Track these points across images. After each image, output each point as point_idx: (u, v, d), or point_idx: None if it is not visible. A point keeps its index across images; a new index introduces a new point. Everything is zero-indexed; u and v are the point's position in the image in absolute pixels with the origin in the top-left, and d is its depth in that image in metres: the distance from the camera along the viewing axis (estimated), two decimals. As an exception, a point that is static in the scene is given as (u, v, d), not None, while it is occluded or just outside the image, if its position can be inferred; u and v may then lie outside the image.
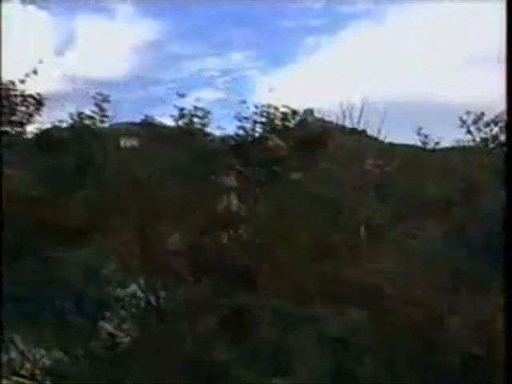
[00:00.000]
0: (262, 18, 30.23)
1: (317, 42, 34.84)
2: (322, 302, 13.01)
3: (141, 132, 16.27)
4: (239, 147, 16.37)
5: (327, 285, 13.29)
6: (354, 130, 15.47)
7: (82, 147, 14.81)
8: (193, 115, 16.82)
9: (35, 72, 15.71)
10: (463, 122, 15.28)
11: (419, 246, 13.47)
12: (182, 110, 16.84)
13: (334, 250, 13.93)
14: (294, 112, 17.73)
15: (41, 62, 15.59)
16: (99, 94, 16.21)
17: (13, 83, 15.90)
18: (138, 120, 16.97)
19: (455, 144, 16.02)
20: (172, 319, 12.34)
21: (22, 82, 15.87)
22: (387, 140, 15.68)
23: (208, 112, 17.09)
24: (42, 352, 11.79)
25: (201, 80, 27.46)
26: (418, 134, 15.48)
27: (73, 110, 16.33)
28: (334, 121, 15.98)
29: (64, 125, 16.18)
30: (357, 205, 14.48)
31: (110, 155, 14.41)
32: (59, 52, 27.19)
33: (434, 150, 15.71)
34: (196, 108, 16.91)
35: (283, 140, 16.30)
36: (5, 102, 16.13)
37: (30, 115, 16.18)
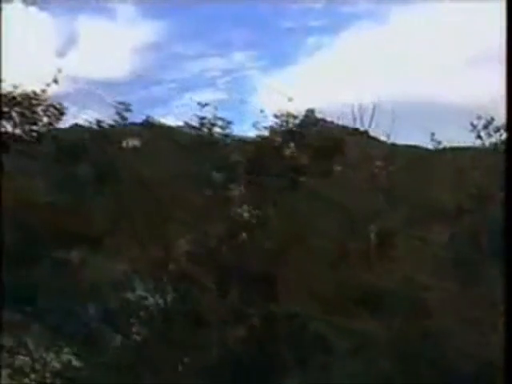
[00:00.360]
0: (263, 19, 30.12)
1: (318, 43, 34.63)
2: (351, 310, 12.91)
3: (148, 135, 16.25)
4: (257, 156, 16.30)
5: (349, 292, 13.17)
6: (356, 131, 15.36)
7: (100, 153, 14.84)
8: (213, 124, 16.77)
9: (56, 81, 15.88)
10: (474, 126, 14.99)
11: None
12: (202, 118, 16.81)
13: (357, 257, 13.84)
14: (317, 120, 17.63)
15: (60, 70, 15.71)
16: (121, 103, 16.24)
17: (35, 93, 16.01)
18: (139, 120, 16.86)
19: (459, 145, 15.79)
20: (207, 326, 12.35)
21: (43, 91, 15.98)
22: (390, 141, 15.58)
23: (229, 122, 17.04)
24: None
25: (202, 80, 27.32)
26: (432, 139, 15.20)
27: (75, 111, 16.33)
28: (335, 121, 15.93)
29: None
30: (377, 212, 14.37)
31: (125, 160, 14.46)
32: (60, 53, 27.27)
33: (439, 151, 15.47)
34: (216, 117, 16.86)
35: (301, 148, 16.20)
36: (27, 112, 16.28)
37: (51, 124, 16.30)
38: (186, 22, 31.37)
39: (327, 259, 14.07)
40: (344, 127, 16.14)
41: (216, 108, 16.59)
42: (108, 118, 15.78)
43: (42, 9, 27.87)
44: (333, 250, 14.19)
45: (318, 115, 17.23)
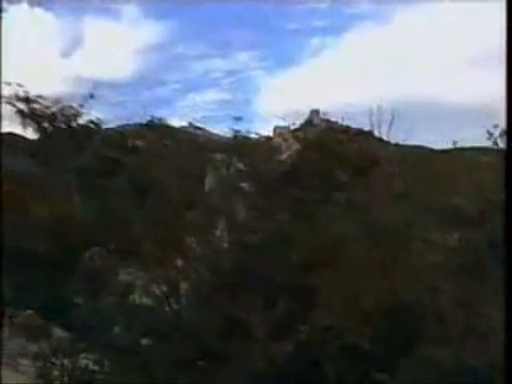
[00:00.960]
0: (267, 19, 30.49)
1: (322, 43, 34.99)
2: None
3: (152, 136, 16.14)
4: (292, 170, 16.16)
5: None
6: (360, 131, 15.12)
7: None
8: (247, 138, 16.77)
9: (92, 96, 16.13)
10: (490, 134, 14.51)
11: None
12: (237, 132, 16.83)
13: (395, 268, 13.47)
14: (351, 137, 17.44)
15: (91, 95, 15.87)
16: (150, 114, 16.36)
17: (71, 107, 16.23)
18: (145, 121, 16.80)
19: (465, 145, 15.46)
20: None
21: (81, 106, 16.24)
22: (393, 141, 15.28)
23: (262, 136, 17.04)
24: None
25: (206, 81, 27.56)
26: (454, 143, 14.84)
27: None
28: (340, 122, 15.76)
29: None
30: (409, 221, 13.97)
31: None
32: (65, 54, 27.73)
33: (445, 150, 15.15)
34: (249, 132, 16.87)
35: (340, 164, 15.93)
36: (65, 127, 16.51)
37: (88, 138, 16.52)
38: (189, 23, 32.34)
39: (364, 271, 13.68)
40: (348, 127, 15.96)
41: (251, 121, 16.63)
42: (114, 118, 15.93)
43: (47, 10, 28.39)
44: (369, 262, 13.81)
45: (323, 116, 17.14)
